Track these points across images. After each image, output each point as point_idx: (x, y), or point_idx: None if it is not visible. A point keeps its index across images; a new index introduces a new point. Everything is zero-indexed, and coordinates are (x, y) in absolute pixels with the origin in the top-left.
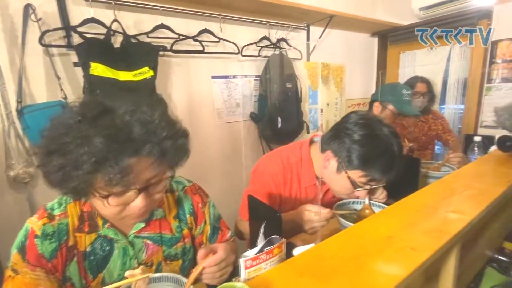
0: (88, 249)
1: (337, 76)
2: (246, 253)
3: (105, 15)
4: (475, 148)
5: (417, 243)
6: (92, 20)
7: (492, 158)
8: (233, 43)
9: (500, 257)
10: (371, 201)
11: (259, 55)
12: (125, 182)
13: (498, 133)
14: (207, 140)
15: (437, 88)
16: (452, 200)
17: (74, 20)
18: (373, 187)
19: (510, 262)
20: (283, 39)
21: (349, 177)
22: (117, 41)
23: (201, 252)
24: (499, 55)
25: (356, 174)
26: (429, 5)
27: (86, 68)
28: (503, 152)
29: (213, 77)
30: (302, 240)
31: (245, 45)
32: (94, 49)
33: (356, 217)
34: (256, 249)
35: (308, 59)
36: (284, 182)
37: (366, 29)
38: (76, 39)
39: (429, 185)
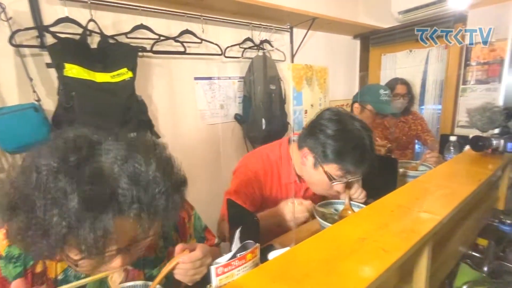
0: (60, 277)
1: (320, 77)
2: (218, 260)
3: (81, 14)
4: (451, 148)
5: (389, 244)
6: (67, 20)
7: (465, 158)
8: (216, 44)
9: (473, 253)
10: (351, 202)
11: (242, 57)
12: (101, 247)
13: (472, 133)
14: (190, 142)
15: (417, 89)
16: (425, 200)
17: (48, 19)
18: (349, 180)
19: (483, 258)
20: (266, 41)
21: (325, 172)
22: (94, 41)
23: (178, 247)
24: (473, 57)
25: (332, 168)
26: (408, 9)
27: (60, 69)
28: (476, 151)
29: (196, 78)
30: (280, 243)
31: (228, 46)
32: (68, 49)
33: (337, 218)
34: (229, 255)
35: (292, 61)
36: (265, 179)
37: (348, 31)
38: (50, 39)
39: (404, 185)
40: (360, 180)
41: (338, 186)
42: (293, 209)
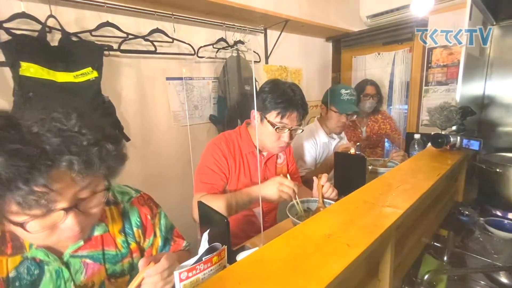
0: (11, 274)
1: (295, 78)
2: (183, 264)
3: (40, 10)
4: (415, 145)
5: (353, 239)
6: (23, 15)
7: (427, 154)
8: (188, 44)
9: (436, 243)
10: (325, 200)
11: (216, 57)
12: (43, 202)
13: (434, 131)
14: (163, 144)
15: (385, 90)
16: (388, 195)
17: (2, 14)
18: (291, 128)
19: (444, 247)
20: (240, 41)
21: (268, 121)
22: (54, 39)
23: (142, 261)
24: (434, 60)
25: (272, 116)
26: (375, 14)
27: (15, 68)
28: (436, 148)
29: (168, 79)
30: (253, 243)
31: (201, 46)
32: (24, 47)
33: (311, 215)
34: (194, 259)
35: (266, 62)
36: (228, 149)
37: (320, 34)
38: (4, 36)
39: (370, 181)
40: (331, 179)
41: (284, 135)
42: (285, 182)
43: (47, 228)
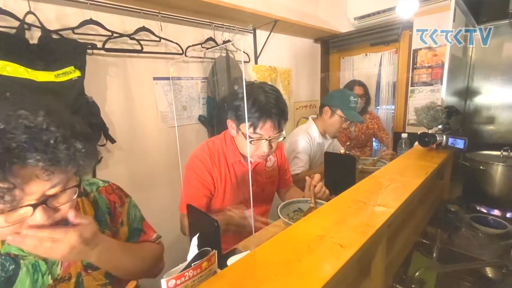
0: None
1: (284, 79)
2: (171, 271)
3: (18, 6)
4: (403, 144)
5: (346, 240)
6: (0, 11)
7: (414, 153)
8: (176, 43)
9: (424, 241)
10: (317, 200)
11: (204, 57)
12: (8, 198)
13: (420, 130)
14: (151, 146)
15: (373, 91)
16: (379, 194)
17: None
18: (269, 138)
19: (432, 244)
20: (229, 41)
21: (242, 133)
22: (34, 36)
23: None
24: (419, 61)
25: (244, 128)
26: (362, 15)
27: None
28: (423, 147)
29: (155, 79)
30: (244, 246)
31: (189, 46)
32: (1, 45)
33: (302, 216)
34: (183, 265)
35: (256, 62)
36: (212, 161)
37: (309, 35)
38: None
39: (361, 181)
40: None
41: (262, 145)
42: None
43: (16, 222)
